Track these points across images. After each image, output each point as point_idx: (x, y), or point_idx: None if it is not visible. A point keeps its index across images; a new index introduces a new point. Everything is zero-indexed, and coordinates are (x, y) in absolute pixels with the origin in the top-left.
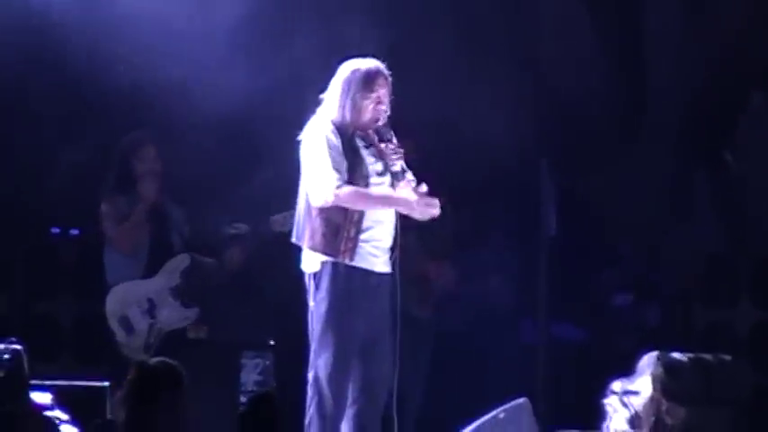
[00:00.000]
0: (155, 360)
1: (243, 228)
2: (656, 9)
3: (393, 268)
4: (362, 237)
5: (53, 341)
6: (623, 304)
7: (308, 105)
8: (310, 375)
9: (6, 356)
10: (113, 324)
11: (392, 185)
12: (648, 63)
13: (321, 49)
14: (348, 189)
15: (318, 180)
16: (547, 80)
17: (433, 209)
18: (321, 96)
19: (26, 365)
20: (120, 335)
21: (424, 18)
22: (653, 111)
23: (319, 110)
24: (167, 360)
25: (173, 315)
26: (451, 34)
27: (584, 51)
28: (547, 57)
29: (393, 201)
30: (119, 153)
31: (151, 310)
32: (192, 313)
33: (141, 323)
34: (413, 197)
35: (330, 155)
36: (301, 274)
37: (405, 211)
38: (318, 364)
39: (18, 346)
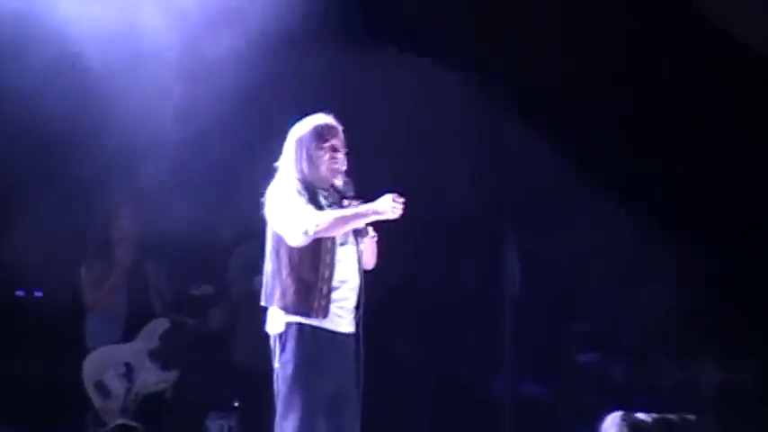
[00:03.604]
0: (115, 423)
1: (208, 289)
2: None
3: (357, 328)
4: (332, 296)
5: (17, 403)
6: (589, 361)
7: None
8: None
9: None
10: (89, 389)
11: (356, 243)
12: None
13: (293, 111)
14: (325, 215)
15: (294, 217)
16: (509, 144)
17: (400, 206)
18: (276, 164)
19: None
20: (96, 400)
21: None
22: (612, 170)
23: (278, 174)
24: (128, 422)
25: (150, 378)
26: (413, 99)
27: (545, 112)
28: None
29: (371, 211)
30: (97, 220)
31: (128, 373)
32: (172, 376)
33: (118, 387)
34: (386, 204)
35: (301, 199)
36: (266, 335)
37: (382, 217)
38: (284, 427)
39: None
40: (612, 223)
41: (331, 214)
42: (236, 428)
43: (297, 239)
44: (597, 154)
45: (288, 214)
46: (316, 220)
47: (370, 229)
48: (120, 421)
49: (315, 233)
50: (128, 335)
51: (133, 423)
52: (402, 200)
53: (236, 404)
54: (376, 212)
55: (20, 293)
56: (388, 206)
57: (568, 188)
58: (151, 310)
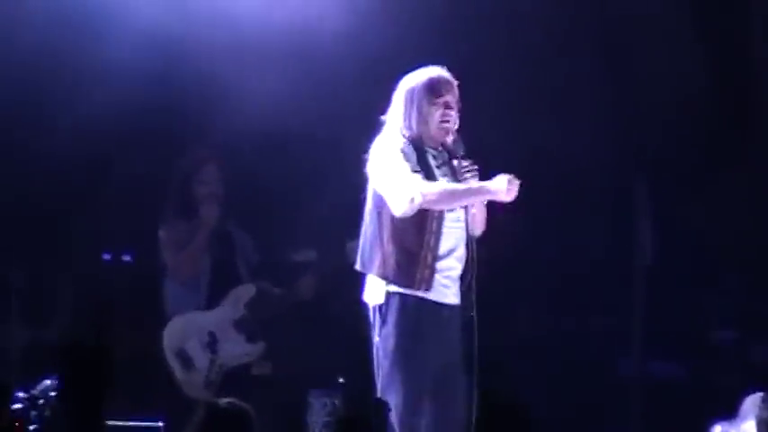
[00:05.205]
0: (224, 401)
1: (311, 254)
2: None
3: (469, 298)
4: (437, 265)
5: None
6: (728, 339)
7: (372, 127)
8: None
9: (53, 394)
10: (171, 359)
11: (465, 207)
12: (755, 72)
13: (386, 71)
14: (434, 186)
15: (400, 185)
16: (643, 93)
17: (516, 189)
18: (383, 117)
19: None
20: (178, 371)
21: (507, 28)
22: (759, 125)
23: (385, 127)
24: (237, 402)
25: (235, 350)
26: (540, 45)
27: (683, 62)
28: (643, 67)
29: (484, 190)
30: (179, 174)
31: (212, 344)
32: (258, 348)
33: (201, 358)
34: (501, 185)
35: (408, 162)
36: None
37: (495, 198)
38: None
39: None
40: (762, 184)
41: (440, 186)
42: (341, 406)
43: (401, 209)
44: (750, 102)
45: (393, 181)
46: (423, 191)
47: None
48: (227, 400)
49: (421, 204)
50: (211, 302)
51: (242, 403)
52: (518, 182)
53: (341, 380)
54: (489, 192)
55: (106, 257)
56: (503, 186)
57: (711, 143)
58: (236, 275)
